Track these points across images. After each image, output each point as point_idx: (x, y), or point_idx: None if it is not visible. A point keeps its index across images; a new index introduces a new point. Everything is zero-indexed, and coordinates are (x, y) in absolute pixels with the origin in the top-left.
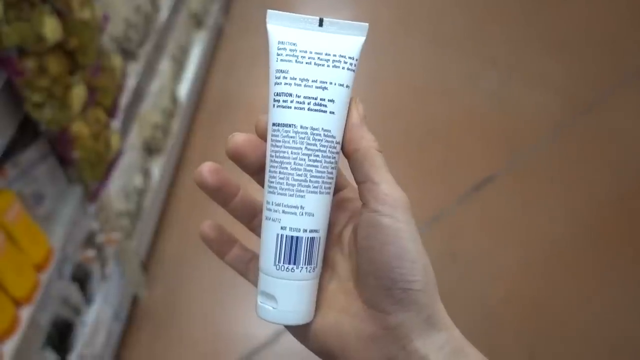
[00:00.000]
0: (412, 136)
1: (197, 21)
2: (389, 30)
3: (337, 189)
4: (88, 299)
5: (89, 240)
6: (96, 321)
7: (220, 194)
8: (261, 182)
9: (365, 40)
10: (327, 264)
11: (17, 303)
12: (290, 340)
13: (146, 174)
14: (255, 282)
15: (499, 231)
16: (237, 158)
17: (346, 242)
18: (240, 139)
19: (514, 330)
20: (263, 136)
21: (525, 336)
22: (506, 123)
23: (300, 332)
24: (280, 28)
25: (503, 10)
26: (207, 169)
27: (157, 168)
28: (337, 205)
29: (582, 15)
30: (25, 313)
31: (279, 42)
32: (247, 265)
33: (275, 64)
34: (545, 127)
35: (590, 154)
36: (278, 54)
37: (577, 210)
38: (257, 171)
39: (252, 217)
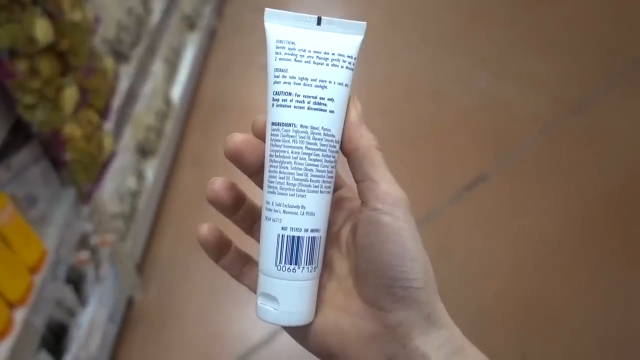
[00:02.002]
0: (402, 136)
1: (190, 23)
2: (378, 31)
3: (334, 188)
4: (82, 300)
5: (83, 242)
6: (91, 323)
7: (231, 207)
8: (259, 183)
9: (363, 39)
10: (325, 263)
11: (11, 305)
12: (285, 340)
13: (140, 175)
14: (250, 286)
15: (490, 230)
16: (236, 158)
17: (344, 241)
18: (239, 139)
19: (506, 328)
20: (260, 136)
21: (517, 334)
22: (496, 122)
23: (299, 332)
24: (278, 27)
25: (492, 11)
26: (221, 187)
27: (151, 170)
28: (335, 204)
29: (569, 15)
30: (19, 315)
31: (277, 41)
32: (242, 269)
33: (273, 63)
34: (534, 126)
35: (578, 153)
36: (277, 53)
37: (567, 209)
38: (256, 172)
39: (253, 223)
